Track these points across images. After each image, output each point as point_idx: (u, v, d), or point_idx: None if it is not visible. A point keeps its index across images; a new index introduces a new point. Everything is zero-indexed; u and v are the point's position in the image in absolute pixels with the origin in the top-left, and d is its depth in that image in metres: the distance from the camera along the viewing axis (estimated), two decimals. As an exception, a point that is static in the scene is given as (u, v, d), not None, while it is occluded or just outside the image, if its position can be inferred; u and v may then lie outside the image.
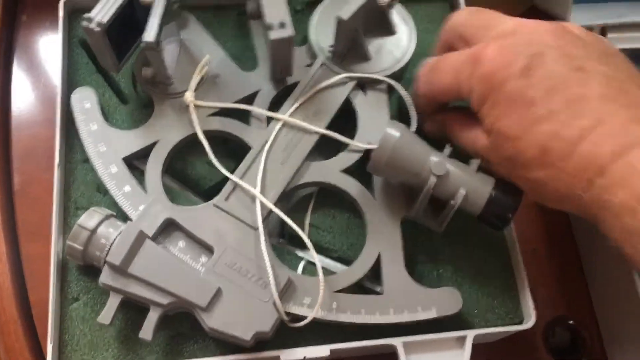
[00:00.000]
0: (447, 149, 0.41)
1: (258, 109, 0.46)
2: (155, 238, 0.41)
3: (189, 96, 0.45)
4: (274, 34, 0.42)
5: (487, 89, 0.37)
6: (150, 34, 0.41)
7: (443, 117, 0.44)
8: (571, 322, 0.51)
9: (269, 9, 0.43)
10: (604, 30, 0.55)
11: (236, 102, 0.47)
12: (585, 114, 0.33)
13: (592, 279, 0.52)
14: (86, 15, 0.40)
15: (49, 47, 0.56)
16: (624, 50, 0.52)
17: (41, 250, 0.46)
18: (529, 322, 0.43)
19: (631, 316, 0.46)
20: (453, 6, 0.54)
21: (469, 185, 0.40)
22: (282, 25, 0.42)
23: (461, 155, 0.41)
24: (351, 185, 0.44)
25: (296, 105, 0.46)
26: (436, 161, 0.40)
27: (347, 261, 0.45)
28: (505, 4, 0.62)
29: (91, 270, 0.42)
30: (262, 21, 0.43)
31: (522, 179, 0.37)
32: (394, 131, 0.40)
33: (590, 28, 0.53)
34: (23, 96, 0.54)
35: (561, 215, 0.54)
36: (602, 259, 0.50)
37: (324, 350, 0.41)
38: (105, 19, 0.40)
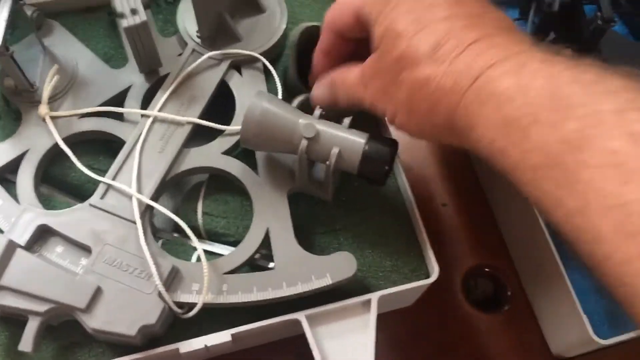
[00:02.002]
0: (317, 111, 0.40)
1: (124, 109, 0.45)
2: (29, 247, 0.39)
3: (42, 109, 0.44)
4: (127, 22, 0.41)
5: None
6: (-6, 39, 0.40)
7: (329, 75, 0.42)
8: (487, 269, 0.50)
9: (119, -3, 0.42)
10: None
11: (108, 100, 0.46)
12: (483, 26, 0.33)
13: (506, 228, 0.51)
14: None
15: None
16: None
17: None
18: (434, 275, 0.42)
19: (544, 260, 0.45)
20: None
21: (342, 143, 0.39)
22: (133, 12, 0.41)
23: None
24: (233, 166, 0.43)
25: (167, 95, 0.45)
26: (305, 123, 0.39)
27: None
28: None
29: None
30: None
31: (405, 82, 0.34)
32: (259, 100, 0.39)
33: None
34: None
35: (468, 169, 0.54)
36: (511, 207, 0.50)
37: (225, 335, 0.39)
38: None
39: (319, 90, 0.42)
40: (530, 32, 0.51)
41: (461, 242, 0.51)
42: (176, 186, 0.46)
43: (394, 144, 0.39)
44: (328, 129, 0.39)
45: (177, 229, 0.45)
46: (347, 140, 0.39)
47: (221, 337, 0.39)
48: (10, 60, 0.41)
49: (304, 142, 0.39)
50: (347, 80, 0.39)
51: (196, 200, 0.45)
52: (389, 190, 0.46)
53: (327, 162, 0.39)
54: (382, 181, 0.40)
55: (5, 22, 0.40)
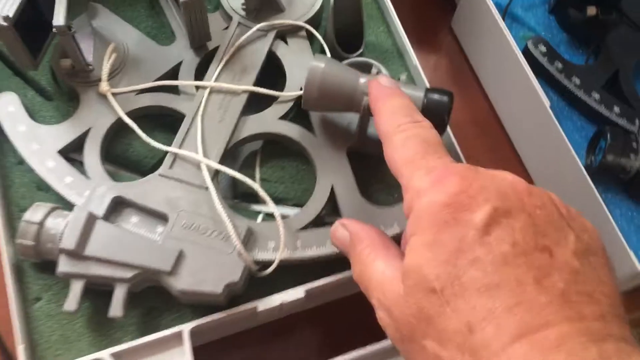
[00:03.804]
0: (374, 69, 0.42)
1: (181, 82, 0.46)
2: (106, 218, 0.40)
3: (103, 86, 0.45)
4: (182, -4, 0.42)
5: (431, 217, 0.28)
6: (59, 18, 0.41)
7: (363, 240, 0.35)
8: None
9: (172, -27, 0.43)
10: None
11: (161, 76, 0.47)
12: (534, 310, 0.25)
13: (542, 183, 0.53)
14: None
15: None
16: None
17: None
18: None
19: (587, 201, 0.47)
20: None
21: (402, 97, 0.40)
22: (188, -14, 0.43)
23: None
24: (290, 129, 0.45)
25: (220, 67, 0.46)
26: (365, 81, 0.40)
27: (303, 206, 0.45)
28: None
29: (48, 266, 0.41)
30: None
31: (426, 351, 0.27)
32: (319, 62, 0.41)
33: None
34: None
35: (497, 126, 0.56)
36: (545, 161, 0.52)
37: (299, 292, 0.41)
38: (10, 13, 0.40)
39: (341, 232, 0.36)
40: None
41: None
42: (231, 156, 0.47)
43: (450, 94, 0.41)
44: (387, 85, 0.41)
45: (236, 195, 0.46)
46: (407, 94, 0.40)
47: (296, 294, 0.41)
48: (72, 39, 0.42)
49: (366, 99, 0.40)
50: (366, 272, 0.32)
51: (253, 168, 0.46)
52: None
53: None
54: (442, 130, 0.41)
55: (66, 3, 0.41)
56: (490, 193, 0.28)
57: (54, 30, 0.41)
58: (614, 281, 0.28)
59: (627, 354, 0.25)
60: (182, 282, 0.38)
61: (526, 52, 0.50)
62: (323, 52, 0.48)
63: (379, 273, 0.31)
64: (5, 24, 0.40)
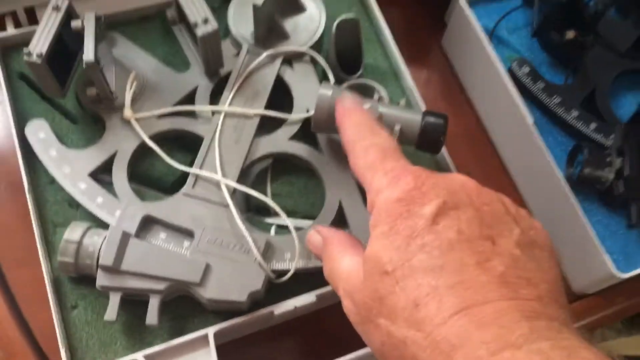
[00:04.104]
0: (376, 95, 0.46)
1: (199, 107, 0.50)
2: (137, 235, 0.44)
3: (127, 113, 0.49)
4: (201, 30, 0.46)
5: (388, 210, 0.32)
6: (88, 54, 0.44)
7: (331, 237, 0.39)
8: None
9: (190, 9, 0.47)
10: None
11: (178, 102, 0.51)
12: (474, 288, 0.29)
13: (526, 192, 0.58)
14: (25, 49, 0.44)
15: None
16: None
17: (28, 273, 0.49)
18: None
19: (563, 206, 0.52)
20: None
21: (402, 121, 0.45)
22: (205, 21, 0.47)
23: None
24: (300, 149, 0.49)
25: (233, 93, 0.50)
26: (369, 107, 0.45)
27: (312, 218, 0.49)
28: None
29: (83, 279, 0.46)
30: (187, 22, 0.47)
31: (381, 329, 0.31)
32: (327, 90, 0.45)
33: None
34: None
35: (485, 139, 0.61)
36: (529, 172, 0.57)
37: (311, 297, 0.46)
38: (43, 50, 0.44)
39: (315, 237, 0.40)
40: (537, 20, 0.57)
41: None
42: (245, 173, 0.51)
43: (445, 117, 0.45)
44: (389, 110, 0.45)
45: (250, 208, 0.51)
46: (406, 118, 0.45)
47: (308, 299, 0.46)
48: (100, 72, 0.46)
49: (369, 122, 0.45)
50: (334, 268, 0.36)
51: (264, 184, 0.51)
52: (431, 161, 0.53)
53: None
54: (438, 150, 0.46)
55: (94, 39, 0.45)
56: (441, 190, 0.32)
57: (83, 65, 0.45)
58: (556, 271, 0.31)
59: (557, 331, 0.27)
60: (210, 292, 0.43)
61: (511, 73, 0.55)
62: (325, 74, 0.52)
63: (345, 266, 0.35)
64: (39, 61, 0.43)
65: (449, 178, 0.33)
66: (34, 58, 0.43)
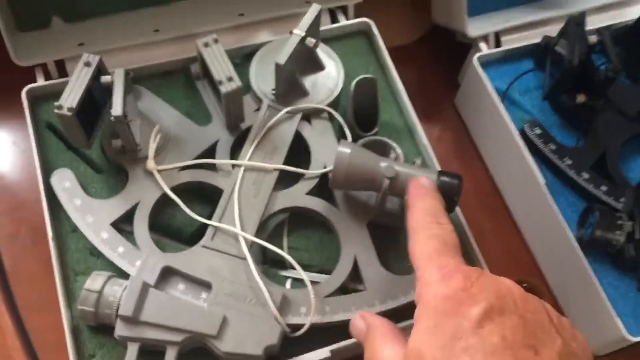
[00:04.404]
0: (393, 154, 0.48)
1: (219, 161, 0.52)
2: (157, 286, 0.45)
3: (150, 164, 0.50)
4: (225, 88, 0.48)
5: (436, 306, 0.33)
6: (117, 108, 0.46)
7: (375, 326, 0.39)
8: (525, 284, 0.57)
9: (214, 67, 0.49)
10: (498, 36, 0.63)
11: (199, 154, 0.52)
12: None
13: (536, 247, 0.59)
14: (56, 103, 0.45)
15: (10, 137, 0.61)
16: (520, 50, 0.61)
17: (46, 320, 0.50)
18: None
19: (575, 270, 0.53)
20: (371, 43, 0.62)
21: (418, 180, 0.46)
22: (229, 79, 0.49)
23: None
24: (317, 204, 0.50)
25: (253, 147, 0.52)
26: (386, 166, 0.46)
27: (327, 272, 0.50)
28: (406, 26, 0.71)
29: (101, 328, 0.46)
30: (211, 78, 0.49)
31: None
32: (345, 148, 0.47)
33: (485, 36, 0.62)
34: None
35: (497, 197, 0.62)
36: (539, 226, 0.58)
37: (325, 352, 0.46)
38: (74, 104, 0.45)
39: (359, 323, 0.40)
40: (549, 83, 0.59)
41: (498, 262, 0.56)
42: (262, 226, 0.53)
43: (459, 177, 0.47)
44: (404, 169, 0.46)
45: (265, 260, 0.52)
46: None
47: (322, 354, 0.46)
48: (127, 126, 0.48)
49: (386, 182, 0.46)
50: (375, 357, 0.37)
51: (280, 237, 0.52)
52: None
53: (406, 197, 0.46)
54: (452, 209, 0.47)
55: (123, 94, 0.47)
56: (489, 293, 0.32)
57: (112, 119, 0.46)
58: None
59: None
60: (227, 345, 0.43)
61: (523, 134, 0.57)
62: (342, 131, 0.54)
63: (385, 355, 0.36)
64: (69, 114, 0.45)
65: (499, 282, 0.34)
66: (65, 111, 0.45)
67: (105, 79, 0.48)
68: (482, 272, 0.34)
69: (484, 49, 0.61)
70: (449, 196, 0.46)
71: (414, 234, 0.39)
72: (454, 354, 0.31)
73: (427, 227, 0.38)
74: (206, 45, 0.51)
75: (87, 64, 0.48)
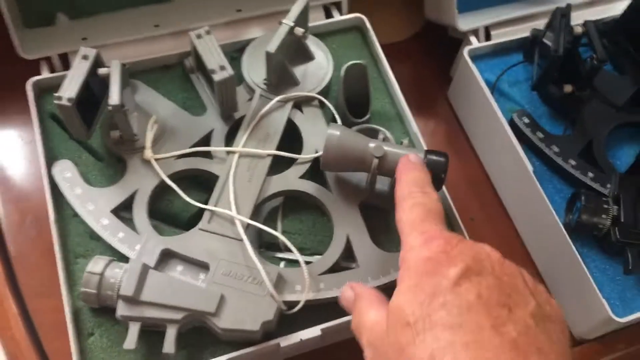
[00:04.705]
0: (381, 135, 0.50)
1: (214, 148, 0.53)
2: (156, 268, 0.47)
3: (148, 154, 0.52)
4: (218, 76, 0.50)
5: (417, 267, 0.35)
6: (114, 98, 0.48)
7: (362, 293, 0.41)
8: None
9: (207, 57, 0.51)
10: (488, 30, 0.65)
11: (195, 143, 0.54)
12: (487, 348, 0.31)
13: (527, 235, 0.61)
14: (56, 93, 0.47)
15: (15, 127, 0.63)
16: (509, 43, 0.63)
17: (47, 303, 0.52)
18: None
19: (564, 256, 0.54)
20: (364, 38, 0.64)
21: (405, 159, 0.47)
22: (222, 68, 0.50)
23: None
24: (310, 187, 0.52)
25: (246, 135, 0.53)
26: (374, 146, 0.47)
27: (320, 254, 0.51)
28: (400, 23, 0.73)
29: (101, 309, 0.48)
30: (205, 70, 0.51)
31: None
32: (334, 130, 0.48)
33: (475, 30, 0.64)
34: (4, 178, 0.60)
35: (488, 186, 0.64)
36: (529, 217, 0.59)
37: (316, 330, 0.48)
38: (73, 94, 0.47)
39: (347, 292, 0.42)
40: (537, 74, 0.61)
41: None
42: (257, 210, 0.54)
43: (446, 155, 0.48)
44: (392, 149, 0.48)
45: (261, 244, 0.53)
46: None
47: (313, 332, 0.48)
48: (124, 115, 0.49)
49: (375, 161, 0.47)
50: (361, 319, 0.39)
51: (275, 221, 0.53)
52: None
53: (395, 176, 0.47)
54: (439, 187, 0.48)
55: (119, 85, 0.48)
56: (467, 256, 0.34)
57: (109, 108, 0.48)
58: (566, 346, 0.33)
59: None
60: (225, 322, 0.45)
61: (512, 123, 0.58)
62: (334, 118, 0.55)
63: (370, 317, 0.38)
64: (69, 104, 0.47)
65: (477, 247, 0.35)
66: (65, 102, 0.47)
67: (102, 70, 0.50)
68: (462, 238, 0.36)
69: (475, 42, 0.63)
70: (436, 173, 0.47)
71: (400, 202, 0.40)
72: (432, 308, 0.32)
73: (412, 196, 0.40)
74: (199, 36, 0.52)
75: (85, 57, 0.49)
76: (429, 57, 0.72)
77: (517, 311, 0.32)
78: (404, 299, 0.34)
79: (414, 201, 0.40)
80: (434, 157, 0.47)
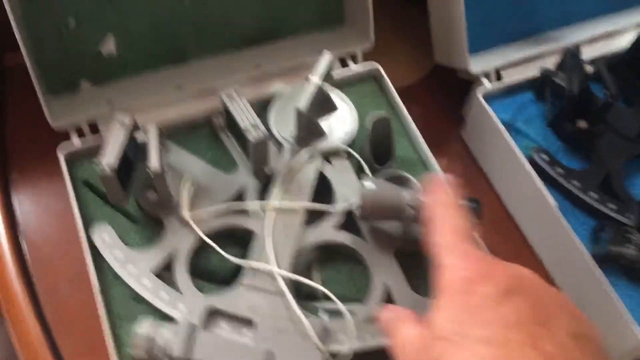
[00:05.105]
0: (415, 185, 0.51)
1: (249, 204, 0.54)
2: (203, 327, 0.48)
3: (185, 213, 0.53)
4: (252, 137, 0.52)
5: (452, 287, 0.36)
6: (154, 164, 0.49)
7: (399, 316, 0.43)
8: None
9: (239, 116, 0.53)
10: (498, 71, 0.67)
11: (229, 200, 0.55)
12: None
13: (548, 259, 0.62)
14: (96, 160, 0.48)
15: (46, 192, 0.63)
16: (520, 83, 0.65)
17: None
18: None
19: (590, 280, 0.56)
20: (380, 86, 0.66)
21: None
22: (255, 127, 0.52)
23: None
24: (346, 238, 0.53)
25: (279, 188, 0.55)
26: (410, 196, 0.49)
27: (359, 302, 0.52)
28: (410, 67, 0.75)
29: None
30: (235, 129, 0.52)
31: None
32: (370, 183, 0.50)
33: (487, 74, 0.66)
34: (37, 242, 0.61)
35: (509, 221, 0.65)
36: (551, 241, 0.61)
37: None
38: (113, 162, 0.48)
39: (386, 313, 0.44)
40: (550, 113, 0.63)
41: None
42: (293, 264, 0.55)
43: (478, 201, 0.50)
44: (427, 199, 0.50)
45: (300, 294, 0.54)
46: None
47: (362, 380, 0.49)
48: (165, 179, 0.51)
49: (411, 210, 0.49)
50: (397, 337, 0.40)
51: (313, 272, 0.54)
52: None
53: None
54: (473, 234, 0.50)
55: (158, 150, 0.50)
56: (506, 276, 0.35)
57: (151, 174, 0.49)
58: None
59: None
60: (274, 379, 0.46)
61: (531, 160, 0.60)
62: (361, 167, 0.57)
63: (405, 335, 0.39)
64: (110, 173, 0.48)
65: (515, 267, 0.37)
66: (105, 170, 0.48)
67: (140, 136, 0.51)
68: (497, 259, 0.37)
69: (486, 84, 0.65)
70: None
71: (431, 225, 0.42)
72: (469, 325, 0.34)
73: (443, 219, 0.42)
74: (230, 97, 0.54)
75: (121, 123, 0.51)
76: (439, 97, 0.74)
77: (554, 329, 0.33)
78: (440, 316, 0.35)
79: (446, 223, 0.41)
80: (467, 204, 0.48)
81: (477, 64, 0.65)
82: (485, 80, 0.66)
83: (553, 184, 0.60)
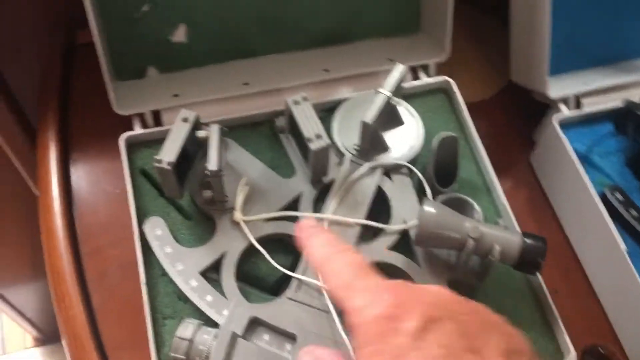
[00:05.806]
0: (477, 214, 0.49)
1: (304, 214, 0.53)
2: (244, 336, 0.47)
3: (237, 216, 0.52)
4: (314, 145, 0.50)
5: (372, 330, 0.33)
6: (213, 164, 0.48)
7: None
8: (600, 348, 0.57)
9: (304, 125, 0.51)
10: (578, 98, 0.64)
11: (283, 207, 0.54)
12: None
13: (612, 310, 0.59)
14: (156, 157, 0.48)
15: (104, 176, 0.63)
16: (600, 113, 0.62)
17: (127, 356, 0.53)
18: (570, 356, 0.50)
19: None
20: (451, 100, 0.64)
21: (502, 241, 0.47)
22: (318, 136, 0.50)
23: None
24: (399, 260, 0.52)
25: (336, 201, 0.53)
26: (471, 227, 0.47)
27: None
28: (483, 82, 0.72)
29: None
30: (297, 133, 0.51)
31: None
32: (431, 208, 0.48)
33: (565, 99, 0.63)
34: (89, 226, 0.61)
35: (572, 257, 0.62)
36: (617, 291, 0.57)
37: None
38: (173, 159, 0.48)
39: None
40: (630, 150, 0.60)
41: (571, 324, 0.55)
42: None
43: (544, 240, 0.47)
44: (489, 230, 0.47)
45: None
46: (506, 238, 0.47)
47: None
48: (221, 180, 0.50)
49: (471, 242, 0.47)
50: None
51: (359, 290, 0.53)
52: (516, 278, 0.54)
53: (491, 258, 0.47)
54: (536, 271, 0.47)
55: (218, 149, 0.49)
56: (421, 304, 0.32)
57: (209, 174, 0.48)
58: None
59: None
60: (311, 398, 0.44)
61: (604, 199, 0.57)
62: (421, 186, 0.55)
63: None
64: (168, 168, 0.48)
65: (426, 290, 0.34)
66: (165, 165, 0.47)
67: (201, 133, 0.51)
68: (407, 284, 0.34)
69: (564, 110, 0.62)
70: (534, 258, 0.46)
71: (322, 268, 0.38)
72: None
73: (330, 260, 0.38)
74: (296, 103, 0.53)
75: (185, 120, 0.50)
76: (510, 117, 0.71)
77: (485, 351, 0.31)
78: None
79: (338, 262, 0.38)
80: (532, 242, 0.46)
81: (556, 89, 0.62)
82: (563, 107, 0.62)
83: (625, 226, 0.56)
